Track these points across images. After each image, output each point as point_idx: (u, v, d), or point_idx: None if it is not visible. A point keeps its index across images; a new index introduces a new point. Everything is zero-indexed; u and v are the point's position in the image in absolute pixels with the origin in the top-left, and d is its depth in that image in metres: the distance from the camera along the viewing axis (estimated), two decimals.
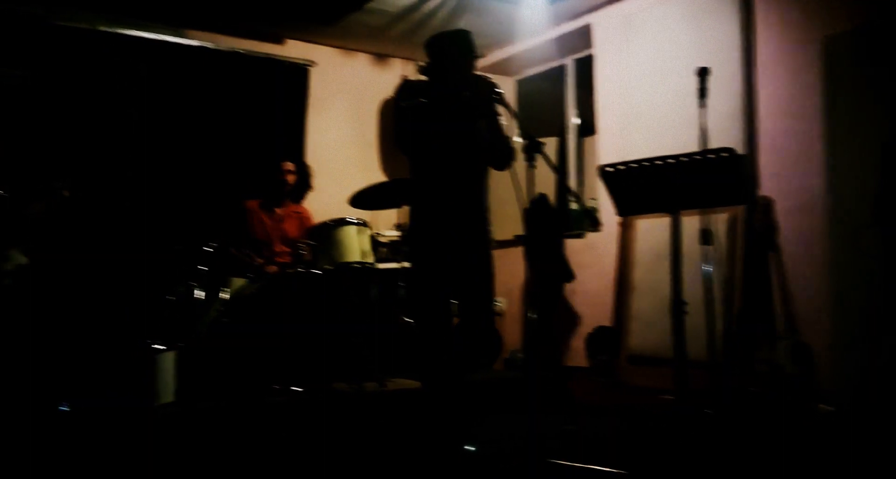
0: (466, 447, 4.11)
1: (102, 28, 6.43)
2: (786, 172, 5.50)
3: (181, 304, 5.61)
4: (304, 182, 6.60)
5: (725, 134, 5.66)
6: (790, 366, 4.84)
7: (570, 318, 7.05)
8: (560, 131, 7.85)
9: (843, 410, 4.65)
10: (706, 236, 4.36)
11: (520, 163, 3.95)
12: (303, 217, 6.54)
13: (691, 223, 4.49)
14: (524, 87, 8.63)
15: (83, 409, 4.69)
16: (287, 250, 6.29)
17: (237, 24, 7.12)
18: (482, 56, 4.36)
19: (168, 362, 4.98)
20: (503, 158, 4.37)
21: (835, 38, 5.22)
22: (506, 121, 4.30)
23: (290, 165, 6.46)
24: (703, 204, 4.29)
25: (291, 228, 6.40)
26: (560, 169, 7.49)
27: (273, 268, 6.09)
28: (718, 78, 5.52)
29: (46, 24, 6.17)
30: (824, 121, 5.25)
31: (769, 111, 5.65)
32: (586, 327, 6.77)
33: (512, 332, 7.69)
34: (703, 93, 4.46)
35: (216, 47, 7.00)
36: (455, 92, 4.33)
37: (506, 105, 4.09)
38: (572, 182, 7.74)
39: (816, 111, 5.31)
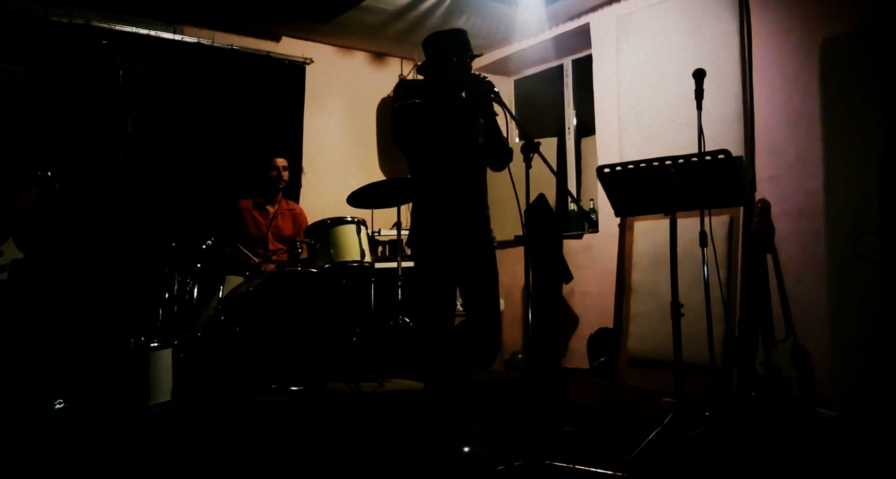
0: (464, 449, 4.10)
1: (97, 23, 6.40)
2: (784, 175, 5.49)
3: (177, 301, 5.60)
4: (293, 180, 6.59)
5: (723, 136, 5.67)
6: (789, 370, 4.84)
7: (569, 319, 7.04)
8: (559, 132, 7.85)
9: (842, 414, 4.64)
10: (703, 238, 4.36)
11: (518, 163, 3.93)
12: (296, 214, 6.55)
13: (690, 225, 4.49)
14: (522, 87, 8.63)
15: (78, 406, 4.68)
16: (282, 247, 6.28)
17: (234, 20, 7.09)
18: (479, 55, 4.36)
19: (164, 360, 4.95)
20: (500, 158, 4.35)
21: (833, 40, 5.21)
22: (503, 121, 4.28)
23: (281, 161, 6.46)
24: (701, 206, 4.31)
25: (285, 226, 6.41)
26: (559, 170, 7.49)
27: (270, 266, 6.08)
28: (716, 79, 5.54)
29: (41, 19, 6.15)
30: (823, 124, 5.24)
31: (767, 113, 5.65)
32: (585, 328, 6.77)
33: (512, 333, 7.70)
34: (700, 94, 4.47)
35: (212, 44, 6.97)
36: (452, 91, 4.34)
37: (503, 105, 4.08)
38: (571, 183, 7.73)
39: (815, 114, 5.30)
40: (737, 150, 5.57)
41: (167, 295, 5.59)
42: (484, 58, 8.17)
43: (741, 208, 5.58)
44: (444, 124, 4.29)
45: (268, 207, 6.43)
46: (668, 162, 4.01)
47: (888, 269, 4.61)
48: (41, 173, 5.05)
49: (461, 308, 6.89)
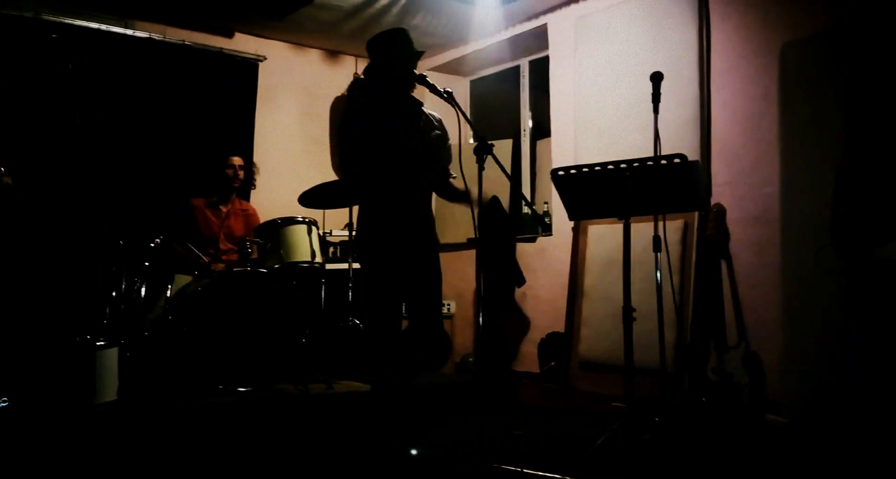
0: (412, 451, 4.06)
1: (46, 17, 6.27)
2: (740, 181, 5.49)
3: (125, 300, 5.52)
4: (248, 179, 6.53)
5: (679, 140, 5.65)
6: (741, 376, 4.84)
7: (521, 322, 7.01)
8: (514, 134, 7.83)
9: (792, 420, 4.66)
10: (657, 243, 4.34)
11: (471, 165, 3.89)
12: (248, 214, 6.48)
13: (644, 230, 4.48)
14: (478, 87, 8.60)
15: (22, 405, 4.59)
16: (233, 247, 6.21)
17: (186, 15, 6.99)
18: (423, 52, 4.36)
19: (110, 359, 4.89)
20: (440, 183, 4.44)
21: (792, 45, 5.22)
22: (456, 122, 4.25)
23: (237, 160, 6.40)
24: (656, 210, 4.30)
25: (237, 226, 6.34)
26: (513, 172, 7.46)
27: (219, 265, 6.00)
28: (674, 83, 5.53)
29: None
30: (780, 129, 5.24)
31: (725, 118, 5.64)
32: (537, 331, 6.74)
33: (463, 335, 7.66)
34: (657, 98, 4.44)
35: (164, 39, 6.88)
36: (404, 89, 4.30)
37: (456, 106, 4.05)
38: (526, 185, 7.71)
39: (773, 119, 5.31)
40: (693, 154, 5.57)
41: (114, 293, 5.50)
42: (439, 57, 8.14)
43: (696, 213, 5.56)
44: (390, 126, 4.27)
45: (221, 207, 6.36)
46: (623, 166, 4.00)
47: (847, 280, 4.61)
48: None
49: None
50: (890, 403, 4.28)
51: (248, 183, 6.60)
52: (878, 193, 4.55)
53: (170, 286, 5.58)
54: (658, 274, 4.40)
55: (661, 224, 4.40)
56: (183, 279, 5.66)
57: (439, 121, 4.43)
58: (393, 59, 4.25)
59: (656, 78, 4.44)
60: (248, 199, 6.92)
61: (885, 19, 4.77)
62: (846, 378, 4.54)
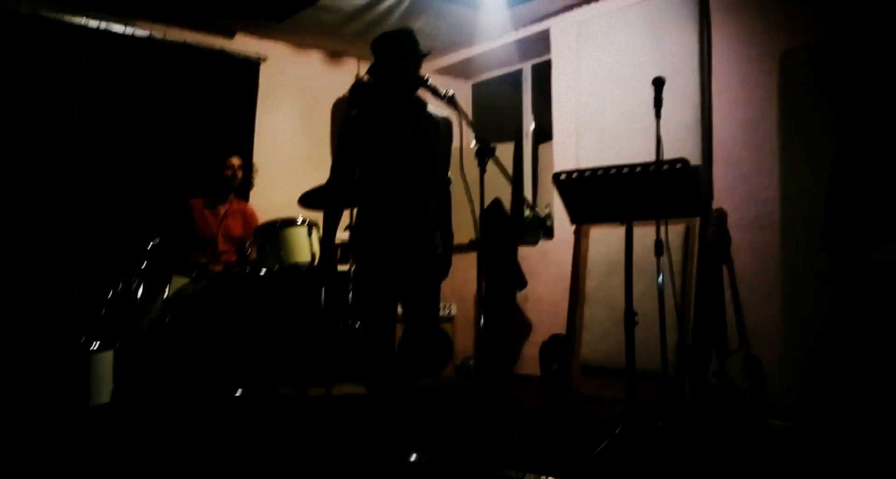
0: (411, 457, 4.02)
1: (45, 14, 6.24)
2: (740, 185, 5.48)
3: (121, 301, 5.47)
4: (247, 179, 6.51)
5: (681, 145, 5.64)
6: (741, 380, 4.81)
7: (522, 326, 6.99)
8: (516, 137, 7.80)
9: (792, 424, 4.63)
10: (659, 247, 4.31)
11: (473, 167, 3.86)
12: (247, 215, 6.45)
13: (645, 234, 4.45)
14: (480, 90, 8.60)
15: (15, 407, 4.55)
16: (231, 248, 6.17)
17: (187, 15, 6.97)
18: (429, 52, 4.33)
19: (105, 361, 4.82)
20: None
21: (792, 52, 5.23)
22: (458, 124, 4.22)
23: (236, 160, 6.38)
24: (657, 215, 4.27)
25: (235, 226, 6.31)
26: (515, 175, 7.44)
27: (217, 267, 5.96)
28: (675, 88, 5.51)
29: None
30: (780, 135, 5.25)
31: (725, 123, 5.64)
32: (538, 335, 6.72)
33: (463, 338, 7.62)
34: (658, 103, 4.40)
35: (164, 38, 6.85)
36: (407, 89, 4.26)
37: (459, 109, 4.02)
38: (527, 189, 7.68)
39: (772, 125, 5.31)
40: (694, 159, 5.55)
41: (110, 294, 5.45)
42: (442, 60, 8.13)
43: (697, 218, 5.54)
44: (392, 129, 4.23)
45: (218, 207, 6.33)
46: (625, 170, 3.96)
47: (840, 284, 4.59)
48: None
49: None
50: (886, 406, 4.26)
51: (247, 183, 6.57)
52: (868, 199, 4.53)
53: (167, 288, 5.54)
54: (660, 278, 4.37)
55: (662, 228, 4.37)
56: (180, 281, 5.62)
57: (445, 119, 4.39)
58: (395, 58, 4.20)
59: (658, 83, 4.40)
60: (247, 199, 6.89)
61: (877, 30, 4.81)
62: (844, 382, 4.52)
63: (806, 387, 4.83)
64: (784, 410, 4.85)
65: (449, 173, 4.46)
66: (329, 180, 4.40)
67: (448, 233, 4.49)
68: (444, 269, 4.43)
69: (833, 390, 4.59)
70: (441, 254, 4.41)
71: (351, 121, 4.33)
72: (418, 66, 4.27)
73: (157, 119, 6.79)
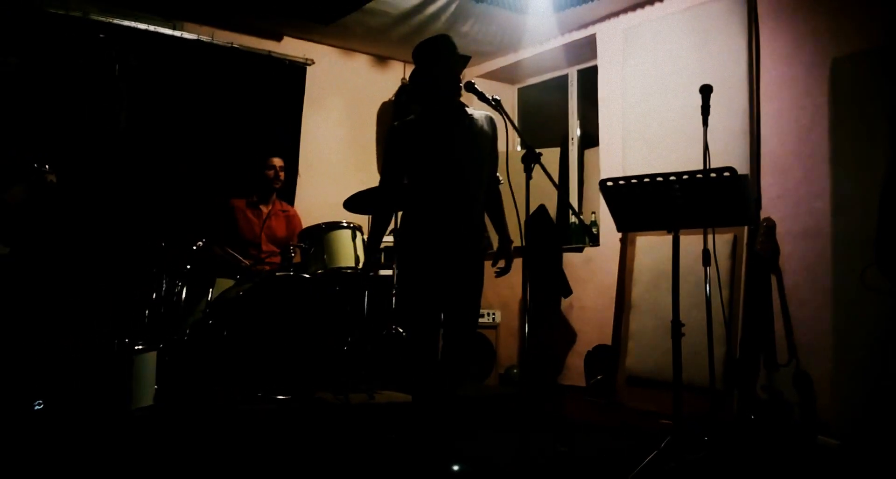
0: (454, 467, 3.99)
1: (95, 17, 6.31)
2: (790, 195, 5.38)
3: (164, 303, 5.49)
4: (289, 181, 6.53)
5: (728, 152, 5.57)
6: (791, 395, 4.72)
7: (567, 334, 6.92)
8: (562, 142, 7.76)
9: (844, 443, 4.53)
10: (707, 257, 4.25)
11: (519, 173, 3.82)
12: (290, 216, 6.48)
13: (692, 242, 4.40)
14: (526, 95, 8.56)
15: (58, 408, 4.57)
16: (275, 249, 6.19)
17: (235, 18, 7.02)
18: (469, 57, 4.33)
19: (148, 363, 4.84)
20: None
21: (844, 59, 5.13)
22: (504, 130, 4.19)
23: (278, 161, 6.40)
24: (705, 223, 4.21)
25: (279, 227, 6.33)
26: (561, 181, 7.39)
27: (265, 267, 5.99)
28: (723, 95, 5.44)
29: (38, 9, 6.08)
30: (831, 144, 5.14)
31: (774, 131, 5.54)
32: (582, 344, 6.65)
33: (507, 346, 7.57)
34: (706, 110, 4.33)
35: (212, 41, 6.89)
36: (448, 95, 4.24)
37: (504, 113, 3.99)
38: (573, 195, 7.63)
39: (823, 133, 5.21)
40: (742, 167, 5.46)
41: (154, 296, 5.47)
42: (488, 64, 8.11)
43: (745, 227, 5.46)
44: (433, 138, 4.22)
45: (261, 207, 6.35)
46: (672, 178, 3.93)
47: (893, 300, 4.48)
48: (37, 167, 4.94)
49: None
50: None
51: (290, 185, 6.58)
52: None
53: (211, 290, 5.56)
54: (707, 288, 4.31)
55: (710, 237, 4.31)
56: (224, 283, 5.64)
57: (486, 116, 4.37)
58: (433, 65, 4.21)
59: (706, 90, 4.33)
60: (291, 202, 6.90)
61: None
62: None
63: (857, 405, 4.72)
64: (834, 428, 4.75)
65: (498, 173, 4.42)
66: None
67: (505, 236, 4.49)
68: (505, 270, 4.45)
69: (885, 410, 4.48)
70: (498, 254, 4.44)
71: (395, 131, 4.33)
72: (458, 71, 4.28)
73: (203, 122, 6.83)
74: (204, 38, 6.86)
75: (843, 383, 4.87)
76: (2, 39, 5.98)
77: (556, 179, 4.14)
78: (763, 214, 5.39)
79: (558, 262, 6.76)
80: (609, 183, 4.11)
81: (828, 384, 4.92)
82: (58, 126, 6.09)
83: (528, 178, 3.81)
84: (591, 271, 6.81)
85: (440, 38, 4.34)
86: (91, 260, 5.92)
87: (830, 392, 4.91)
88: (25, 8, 6.04)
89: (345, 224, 5.81)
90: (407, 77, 8.09)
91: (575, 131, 7.73)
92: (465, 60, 4.33)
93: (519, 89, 8.59)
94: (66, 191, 5.52)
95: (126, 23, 6.47)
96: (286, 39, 7.45)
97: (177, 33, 6.73)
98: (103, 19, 6.35)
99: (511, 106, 8.53)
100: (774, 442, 4.56)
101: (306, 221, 6.30)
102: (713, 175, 3.84)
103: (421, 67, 4.28)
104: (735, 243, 5.51)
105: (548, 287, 6.66)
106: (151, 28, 6.60)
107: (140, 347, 4.84)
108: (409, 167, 4.26)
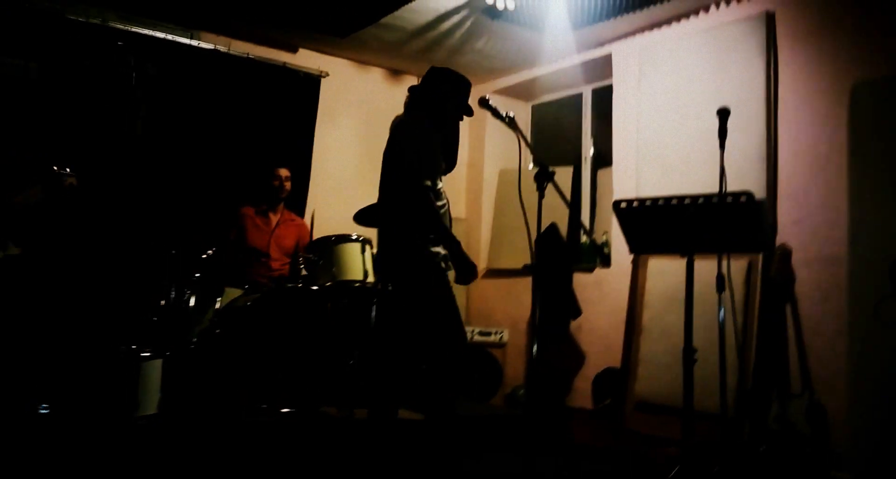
0: None
1: (113, 24, 6.34)
2: (807, 221, 5.32)
3: (173, 311, 5.46)
4: (298, 191, 6.55)
5: (745, 177, 5.50)
6: (803, 426, 4.65)
7: (575, 356, 6.83)
8: (575, 161, 7.72)
9: (856, 478, 4.46)
10: (721, 282, 4.19)
11: (531, 191, 3.80)
12: (298, 225, 6.50)
13: (706, 267, 4.33)
14: (540, 113, 8.54)
15: (63, 412, 4.55)
16: (285, 259, 6.17)
17: (251, 29, 7.04)
18: (471, 114, 4.48)
19: (154, 371, 4.84)
20: None
21: (864, 85, 5.09)
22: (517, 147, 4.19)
23: (284, 171, 6.43)
24: (719, 248, 4.17)
25: (288, 237, 6.34)
26: (573, 200, 7.35)
27: (273, 273, 5.97)
28: (739, 118, 5.39)
29: (58, 16, 6.11)
30: (850, 170, 5.09)
31: (791, 157, 5.49)
32: (591, 366, 6.58)
33: (515, 365, 7.51)
34: (723, 133, 4.30)
35: (228, 51, 6.92)
36: (444, 127, 4.46)
37: (517, 130, 3.97)
38: (585, 214, 7.58)
39: (841, 160, 5.16)
40: (758, 192, 5.40)
41: (163, 303, 5.44)
42: (502, 80, 8.13)
43: (761, 253, 5.40)
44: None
45: (270, 215, 6.37)
46: (687, 201, 3.88)
47: None
48: (57, 170, 4.93)
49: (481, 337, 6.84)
50: None
51: (301, 196, 6.57)
52: None
53: (219, 299, 5.53)
54: (720, 314, 4.25)
55: (724, 262, 4.26)
56: (233, 293, 5.61)
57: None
58: (447, 100, 4.40)
59: (724, 113, 4.30)
60: (301, 213, 6.88)
61: None
62: None
63: (872, 439, 4.65)
64: (847, 461, 4.68)
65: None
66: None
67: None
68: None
69: None
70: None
71: (426, 126, 4.45)
72: (462, 114, 4.48)
73: (217, 131, 6.85)
74: (220, 47, 6.88)
75: (857, 416, 4.80)
76: (23, 45, 6.02)
77: (568, 198, 4.11)
78: (779, 240, 5.33)
79: (568, 282, 6.71)
80: (622, 204, 4.08)
81: (842, 417, 4.86)
82: (75, 131, 6.12)
83: (541, 196, 3.78)
84: (602, 293, 6.76)
85: (466, 81, 4.51)
86: (100, 265, 5.91)
87: (845, 425, 4.84)
88: (46, 14, 6.07)
89: (354, 237, 5.77)
90: None
91: (588, 150, 7.69)
92: (469, 112, 4.52)
93: (533, 106, 8.55)
94: (82, 195, 5.52)
95: (144, 31, 6.50)
96: (301, 51, 7.47)
97: (194, 43, 6.76)
98: (122, 27, 6.39)
99: (524, 123, 8.50)
100: (786, 475, 4.50)
101: (317, 234, 6.27)
102: (729, 199, 3.80)
103: (433, 91, 4.45)
104: (749, 269, 5.46)
105: (557, 307, 6.61)
106: (169, 37, 6.62)
107: (147, 354, 4.82)
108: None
